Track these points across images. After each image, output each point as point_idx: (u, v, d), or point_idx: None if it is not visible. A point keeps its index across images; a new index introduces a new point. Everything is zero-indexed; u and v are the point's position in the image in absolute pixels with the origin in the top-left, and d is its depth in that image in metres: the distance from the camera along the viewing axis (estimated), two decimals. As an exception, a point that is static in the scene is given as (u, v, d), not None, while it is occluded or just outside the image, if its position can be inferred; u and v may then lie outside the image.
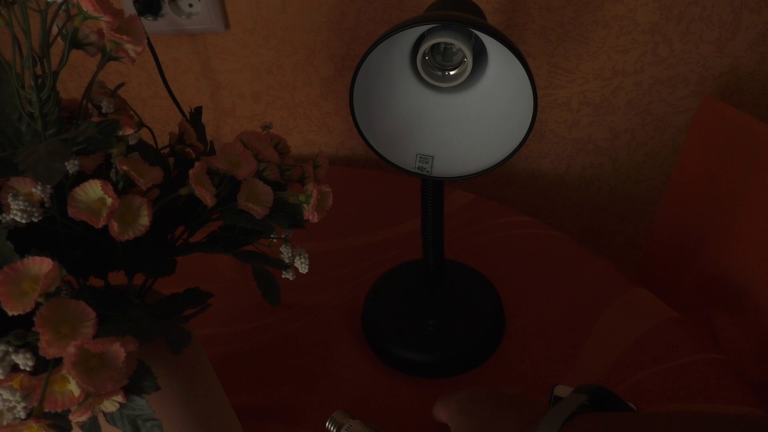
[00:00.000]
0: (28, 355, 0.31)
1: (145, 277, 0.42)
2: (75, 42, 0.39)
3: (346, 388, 0.67)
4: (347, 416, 0.59)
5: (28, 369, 0.31)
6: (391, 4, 0.85)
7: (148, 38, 0.61)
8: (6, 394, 0.31)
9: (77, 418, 0.34)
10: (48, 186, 0.33)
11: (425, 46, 0.52)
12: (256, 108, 1.01)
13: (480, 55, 0.55)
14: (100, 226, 0.35)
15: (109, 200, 0.35)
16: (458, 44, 0.51)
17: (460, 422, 0.46)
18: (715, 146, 0.79)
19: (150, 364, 0.35)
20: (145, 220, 0.36)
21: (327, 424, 0.59)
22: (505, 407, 0.43)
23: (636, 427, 0.36)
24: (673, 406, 0.61)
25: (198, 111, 0.48)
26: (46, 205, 0.34)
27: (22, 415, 0.31)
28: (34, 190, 0.33)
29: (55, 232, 0.37)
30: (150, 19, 0.89)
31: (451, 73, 0.55)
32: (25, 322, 0.31)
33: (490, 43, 0.52)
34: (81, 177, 0.36)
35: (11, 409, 0.31)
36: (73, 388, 0.32)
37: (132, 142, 0.40)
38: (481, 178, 1.02)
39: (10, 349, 0.31)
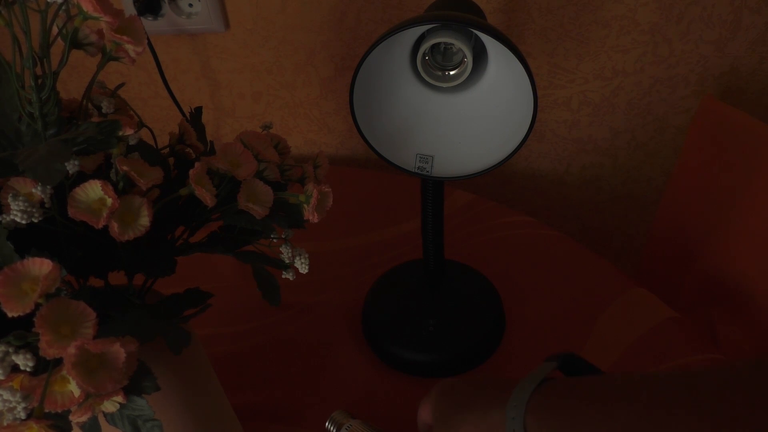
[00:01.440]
0: (28, 356, 0.31)
1: (145, 277, 0.42)
2: (75, 42, 0.39)
3: (347, 388, 0.67)
4: (347, 416, 0.59)
5: (28, 369, 0.31)
6: (391, 4, 0.85)
7: (148, 38, 0.61)
8: (6, 395, 0.31)
9: (77, 419, 0.34)
10: (48, 186, 0.33)
11: (425, 46, 0.52)
12: (256, 108, 1.01)
13: (480, 55, 0.55)
14: (100, 226, 0.35)
15: (109, 200, 0.35)
16: (458, 44, 0.51)
17: (442, 410, 0.46)
18: (715, 146, 0.79)
19: (150, 365, 0.35)
20: (145, 220, 0.36)
21: (327, 424, 0.59)
22: (482, 386, 0.45)
23: (600, 386, 0.38)
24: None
25: (198, 111, 0.48)
26: (46, 205, 0.34)
27: (23, 415, 0.31)
28: (34, 190, 0.33)
29: (55, 232, 0.37)
30: (150, 19, 0.89)
31: (451, 73, 0.55)
32: (25, 322, 0.31)
33: (490, 43, 0.52)
34: (81, 177, 0.36)
35: (11, 409, 0.31)
36: (74, 388, 0.32)
37: (132, 142, 0.40)
38: (481, 178, 1.02)
39: (11, 350, 0.31)
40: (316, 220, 0.43)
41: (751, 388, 0.31)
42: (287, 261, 0.44)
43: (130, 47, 0.39)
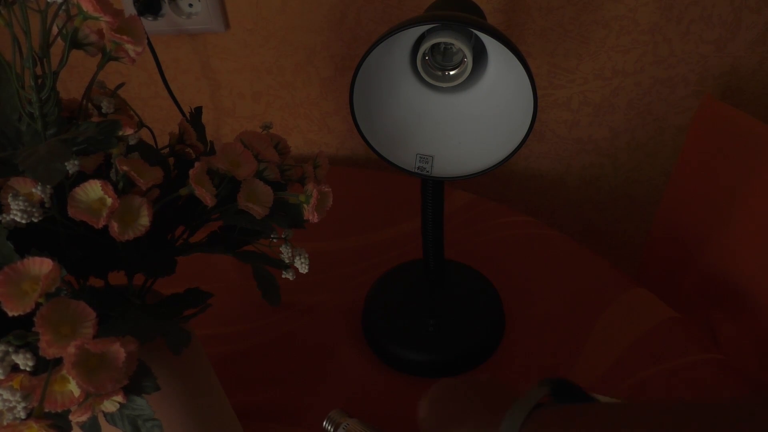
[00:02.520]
0: (28, 356, 0.31)
1: (145, 277, 0.42)
2: (75, 42, 0.39)
3: (346, 388, 0.67)
4: (344, 415, 0.60)
5: (28, 369, 0.31)
6: (391, 4, 0.85)
7: (148, 38, 0.61)
8: (6, 395, 0.31)
9: (77, 418, 0.34)
10: (48, 186, 0.33)
11: (425, 46, 0.52)
12: (256, 108, 1.01)
13: (480, 55, 0.55)
14: (100, 226, 0.35)
15: (109, 200, 0.35)
16: (458, 44, 0.51)
17: (435, 418, 0.46)
18: (715, 146, 0.79)
19: (150, 365, 0.35)
20: (145, 220, 0.36)
21: (324, 423, 0.59)
22: (476, 398, 0.44)
23: (597, 416, 0.36)
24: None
25: (198, 111, 0.48)
26: (46, 205, 0.34)
27: (23, 415, 0.31)
28: (34, 190, 0.33)
29: (55, 232, 0.37)
30: (150, 19, 0.89)
31: (451, 73, 0.55)
32: (25, 322, 0.31)
33: (490, 43, 0.52)
34: (81, 177, 0.36)
35: (11, 409, 0.31)
36: (73, 388, 0.32)
37: (132, 142, 0.40)
38: (481, 178, 1.02)
39: (11, 349, 0.31)
40: (316, 220, 0.43)
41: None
42: (287, 261, 0.44)
43: (130, 47, 0.39)
